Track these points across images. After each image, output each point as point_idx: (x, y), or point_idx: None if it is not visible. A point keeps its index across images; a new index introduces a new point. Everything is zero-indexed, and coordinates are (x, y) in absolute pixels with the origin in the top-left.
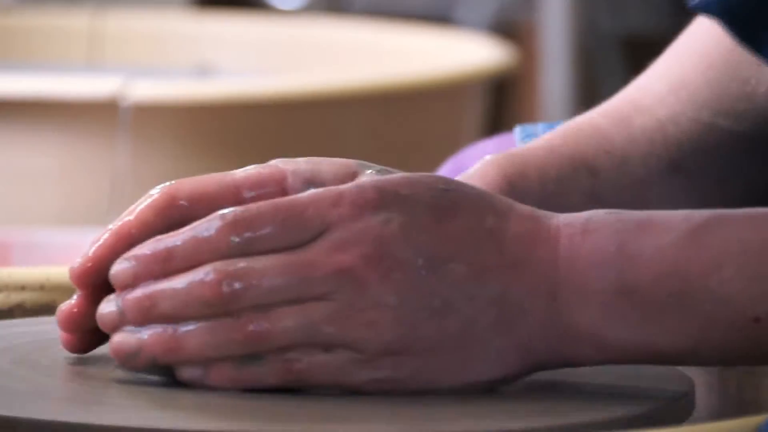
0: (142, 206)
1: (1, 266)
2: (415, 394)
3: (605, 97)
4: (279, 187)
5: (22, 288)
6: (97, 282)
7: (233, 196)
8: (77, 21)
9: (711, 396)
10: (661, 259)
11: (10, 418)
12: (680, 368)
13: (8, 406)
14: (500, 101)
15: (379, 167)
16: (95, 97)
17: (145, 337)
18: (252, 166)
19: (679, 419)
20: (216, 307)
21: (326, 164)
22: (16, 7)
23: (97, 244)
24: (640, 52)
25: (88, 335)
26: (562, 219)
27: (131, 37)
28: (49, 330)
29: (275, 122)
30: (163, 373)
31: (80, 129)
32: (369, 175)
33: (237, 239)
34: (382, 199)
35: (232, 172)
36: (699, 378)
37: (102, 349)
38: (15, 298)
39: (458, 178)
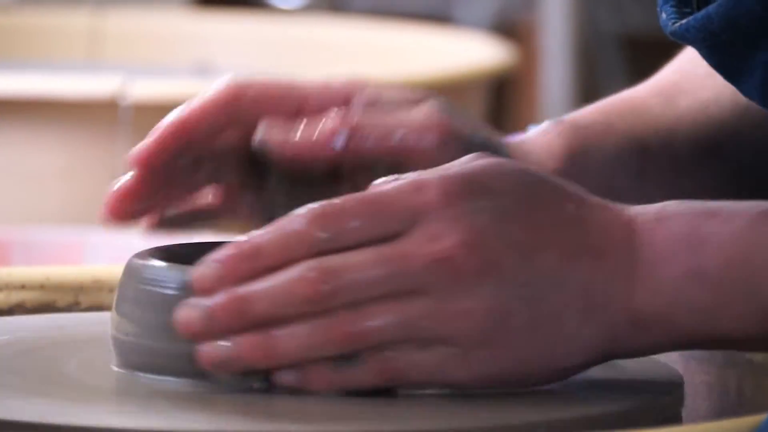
0: (206, 97)
1: (1, 265)
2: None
3: (605, 96)
4: (344, 104)
5: (22, 287)
6: (155, 165)
7: (298, 104)
8: (77, 20)
9: (711, 395)
10: (732, 244)
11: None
12: (670, 365)
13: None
14: (500, 101)
15: (444, 100)
16: (95, 96)
17: (240, 342)
18: (322, 80)
19: (669, 415)
20: (315, 304)
21: (393, 90)
22: (15, 6)
23: (159, 129)
24: (640, 52)
25: (129, 213)
26: (635, 208)
27: (131, 36)
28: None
29: None
30: (256, 379)
31: (80, 128)
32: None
33: (325, 234)
34: (471, 189)
35: (302, 81)
36: (698, 377)
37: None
38: (15, 297)
39: (521, 139)
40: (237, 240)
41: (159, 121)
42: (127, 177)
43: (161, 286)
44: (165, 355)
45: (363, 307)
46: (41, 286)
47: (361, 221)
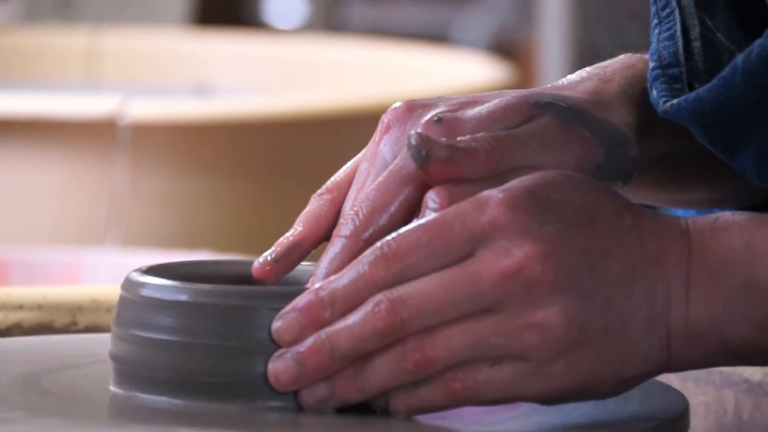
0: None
1: None
2: None
3: None
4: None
5: (20, 307)
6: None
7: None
8: (75, 40)
9: (709, 415)
10: None
11: None
12: (675, 387)
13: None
14: None
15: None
16: (93, 116)
17: (332, 382)
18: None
19: None
20: (389, 336)
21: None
22: (14, 25)
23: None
24: None
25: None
26: (689, 219)
27: (129, 56)
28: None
29: (273, 141)
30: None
31: (78, 148)
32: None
33: (392, 273)
34: (533, 202)
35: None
36: (696, 398)
37: None
38: (13, 317)
39: (599, 67)
40: (310, 289)
41: (157, 140)
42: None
43: (159, 304)
44: (163, 374)
45: (435, 331)
46: (39, 306)
47: (424, 252)
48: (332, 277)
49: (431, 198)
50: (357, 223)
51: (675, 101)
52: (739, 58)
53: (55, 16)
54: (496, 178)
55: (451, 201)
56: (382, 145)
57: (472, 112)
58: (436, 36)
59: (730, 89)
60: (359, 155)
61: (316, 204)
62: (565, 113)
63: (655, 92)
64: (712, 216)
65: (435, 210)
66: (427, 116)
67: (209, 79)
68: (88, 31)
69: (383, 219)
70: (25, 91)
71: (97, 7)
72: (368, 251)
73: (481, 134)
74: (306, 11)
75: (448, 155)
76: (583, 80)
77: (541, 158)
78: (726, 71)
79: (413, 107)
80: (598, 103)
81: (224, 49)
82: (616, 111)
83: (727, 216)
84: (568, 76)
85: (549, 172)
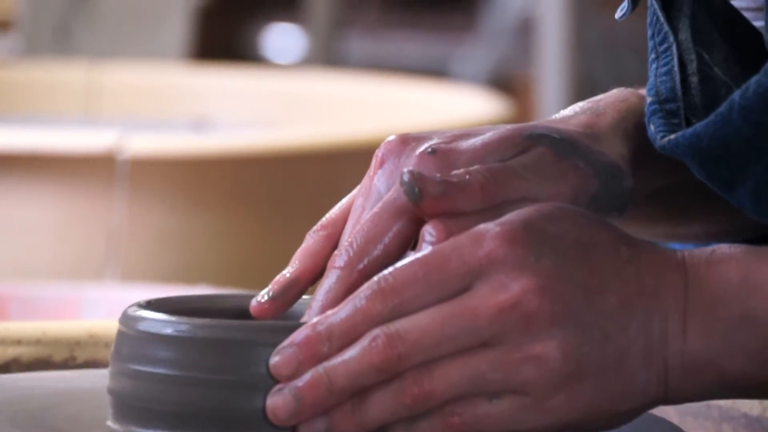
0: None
1: None
2: None
3: None
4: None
5: (19, 342)
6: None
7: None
8: (74, 74)
9: None
10: None
11: None
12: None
13: None
14: None
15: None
16: (92, 150)
17: (331, 417)
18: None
19: None
20: (387, 371)
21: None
22: (13, 60)
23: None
24: None
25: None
26: (686, 251)
27: (128, 90)
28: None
29: (272, 176)
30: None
31: (77, 182)
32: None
33: (388, 307)
34: (530, 236)
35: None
36: None
37: None
38: (11, 352)
39: (592, 102)
40: (308, 323)
41: (155, 175)
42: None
43: (157, 339)
44: (162, 409)
45: (433, 365)
46: (37, 341)
47: (421, 286)
48: (329, 312)
49: (428, 231)
50: (351, 254)
51: (672, 136)
52: (737, 93)
53: (54, 50)
54: (491, 211)
55: (448, 234)
56: (376, 180)
57: (466, 144)
58: (435, 70)
59: (728, 125)
60: (354, 191)
61: (311, 240)
62: (558, 144)
63: (652, 127)
64: (709, 249)
65: (432, 243)
66: (421, 148)
67: (208, 113)
68: (87, 65)
69: (377, 250)
70: (24, 125)
71: (96, 42)
72: (365, 285)
73: (475, 167)
74: (304, 46)
75: (441, 191)
76: (576, 114)
77: (536, 190)
78: (723, 107)
79: (407, 140)
80: (591, 136)
81: (223, 83)
82: (609, 143)
83: (723, 249)
84: (562, 111)
85: (545, 205)
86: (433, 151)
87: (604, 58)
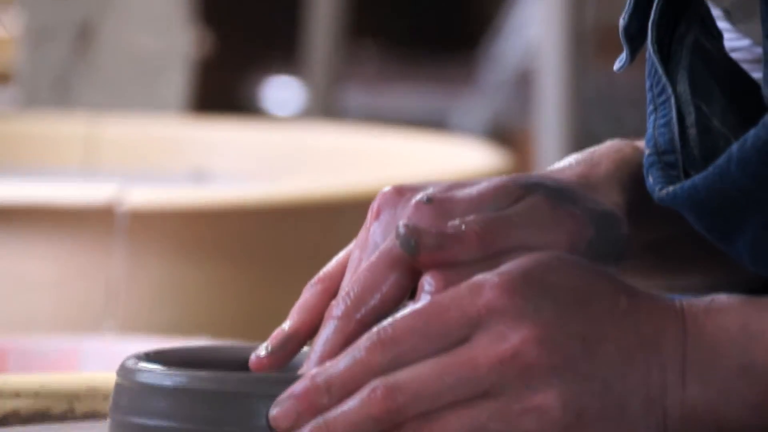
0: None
1: None
2: None
3: None
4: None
5: (17, 395)
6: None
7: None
8: (73, 127)
9: None
10: None
11: None
12: None
13: None
14: None
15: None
16: (91, 203)
17: None
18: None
19: None
20: (386, 422)
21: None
22: (12, 112)
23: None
24: None
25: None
26: (685, 300)
27: (127, 143)
28: None
29: (272, 227)
30: None
31: (76, 235)
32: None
33: (387, 358)
34: (529, 286)
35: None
36: None
37: None
38: (9, 404)
39: (588, 153)
40: (307, 374)
41: (155, 227)
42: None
43: (155, 390)
44: None
45: (433, 417)
46: (36, 394)
47: (420, 337)
48: (328, 363)
49: (426, 281)
50: (348, 303)
51: (671, 188)
52: (734, 146)
53: (53, 102)
54: (489, 260)
55: (446, 284)
56: (372, 231)
57: (462, 193)
58: (434, 122)
59: (725, 178)
60: (351, 244)
61: (308, 294)
62: (553, 193)
63: (650, 179)
64: (708, 298)
65: (430, 294)
66: (417, 198)
67: (207, 165)
68: (86, 118)
69: (375, 300)
70: (23, 177)
71: (95, 94)
72: (364, 337)
73: (471, 217)
74: (304, 98)
75: (437, 242)
76: (571, 165)
77: (533, 238)
78: (721, 159)
79: (402, 191)
80: (586, 185)
81: (222, 135)
82: (604, 192)
83: (722, 299)
84: (557, 163)
85: (543, 255)
86: (429, 200)
87: (602, 110)
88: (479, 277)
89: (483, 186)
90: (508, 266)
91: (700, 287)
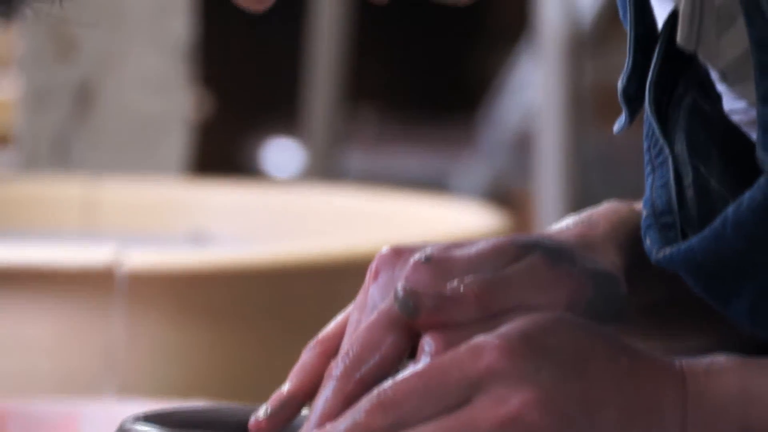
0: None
1: None
2: None
3: None
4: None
5: None
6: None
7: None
8: (72, 189)
9: None
10: None
11: None
12: None
13: None
14: None
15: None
16: (90, 265)
17: None
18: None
19: None
20: None
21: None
22: (11, 175)
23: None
24: None
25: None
26: (685, 361)
27: (126, 205)
28: None
29: (271, 290)
30: None
31: (75, 297)
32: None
33: (388, 421)
34: (530, 348)
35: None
36: None
37: None
38: None
39: (586, 216)
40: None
41: (155, 290)
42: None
43: None
44: None
45: None
46: None
47: (421, 399)
48: (328, 426)
49: (426, 342)
50: (347, 363)
51: (668, 250)
52: (730, 209)
53: (52, 165)
54: (488, 321)
55: (446, 345)
56: (371, 292)
57: (460, 253)
58: (434, 185)
59: (722, 240)
60: (350, 307)
61: (307, 357)
62: (551, 253)
63: (648, 240)
64: (707, 359)
65: (430, 355)
66: (415, 258)
67: (207, 227)
68: (85, 180)
69: (374, 359)
70: (22, 240)
71: (94, 157)
72: (364, 399)
73: (469, 278)
74: (303, 160)
75: (436, 304)
76: (569, 227)
77: (532, 298)
78: (717, 222)
79: (400, 252)
80: (584, 246)
81: (222, 198)
82: (602, 253)
83: (721, 360)
84: (554, 225)
85: (543, 316)
86: (427, 260)
87: (602, 172)
88: (479, 339)
89: (481, 246)
90: (508, 327)
91: (700, 349)
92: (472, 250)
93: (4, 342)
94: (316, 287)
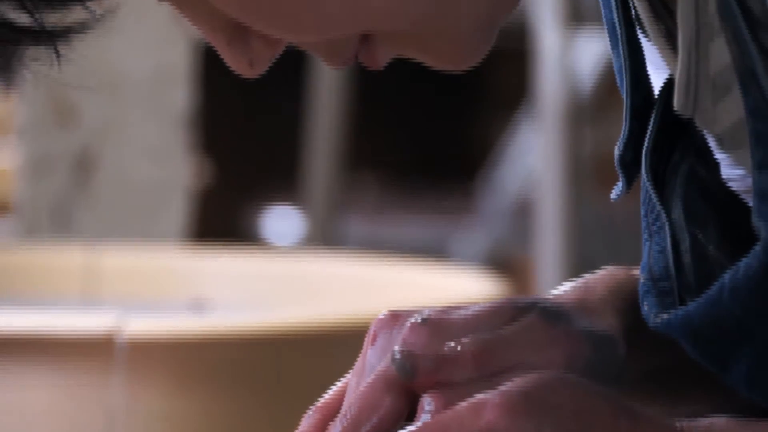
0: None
1: None
2: None
3: None
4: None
5: None
6: None
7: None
8: (72, 257)
9: None
10: None
11: None
12: None
13: None
14: None
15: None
16: (90, 333)
17: None
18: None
19: None
20: None
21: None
22: (11, 243)
23: None
24: None
25: None
26: (684, 423)
27: (126, 273)
28: None
29: (271, 357)
30: None
31: (75, 365)
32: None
33: None
34: (530, 406)
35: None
36: None
37: None
38: None
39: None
40: None
41: (155, 357)
42: None
43: None
44: None
45: None
46: None
47: None
48: None
49: (426, 401)
50: (345, 424)
51: (665, 316)
52: (727, 275)
53: (52, 233)
54: (486, 380)
55: (446, 404)
56: (369, 356)
57: (457, 314)
58: (434, 251)
59: (718, 307)
60: (349, 373)
61: (306, 424)
62: (549, 313)
63: (646, 306)
64: (707, 420)
65: (430, 414)
66: (412, 320)
67: (207, 295)
68: (86, 248)
69: (372, 421)
70: (22, 308)
71: (94, 225)
72: None
73: (466, 338)
74: (303, 228)
75: (434, 365)
76: (566, 292)
77: (529, 357)
78: (713, 289)
79: (398, 316)
80: (581, 309)
81: (222, 265)
82: (600, 316)
83: (721, 421)
84: (552, 290)
85: (544, 375)
86: (424, 321)
87: (601, 238)
88: (480, 397)
89: (478, 307)
90: (509, 386)
91: (699, 414)
92: (470, 311)
93: (3, 409)
94: (315, 354)
